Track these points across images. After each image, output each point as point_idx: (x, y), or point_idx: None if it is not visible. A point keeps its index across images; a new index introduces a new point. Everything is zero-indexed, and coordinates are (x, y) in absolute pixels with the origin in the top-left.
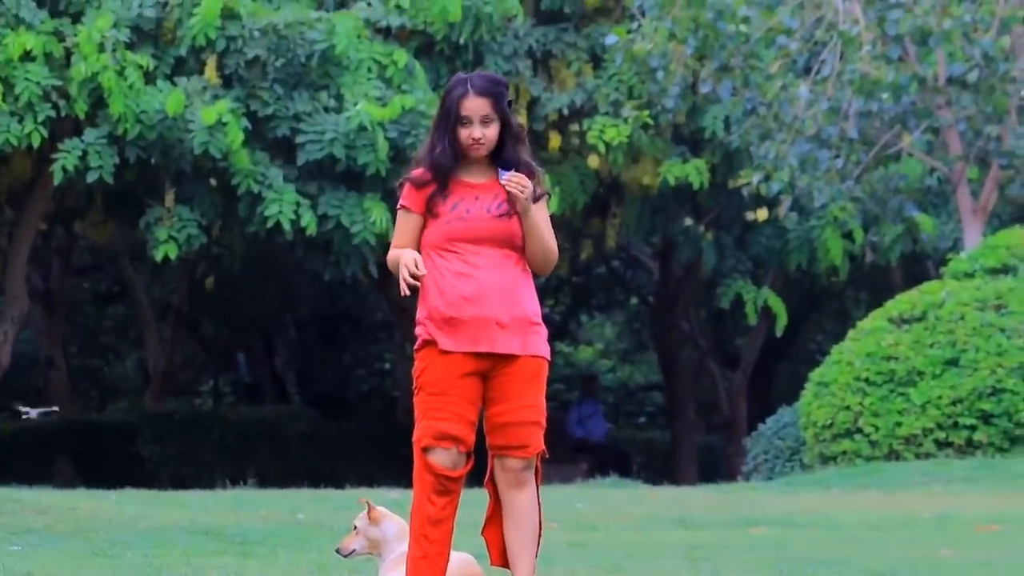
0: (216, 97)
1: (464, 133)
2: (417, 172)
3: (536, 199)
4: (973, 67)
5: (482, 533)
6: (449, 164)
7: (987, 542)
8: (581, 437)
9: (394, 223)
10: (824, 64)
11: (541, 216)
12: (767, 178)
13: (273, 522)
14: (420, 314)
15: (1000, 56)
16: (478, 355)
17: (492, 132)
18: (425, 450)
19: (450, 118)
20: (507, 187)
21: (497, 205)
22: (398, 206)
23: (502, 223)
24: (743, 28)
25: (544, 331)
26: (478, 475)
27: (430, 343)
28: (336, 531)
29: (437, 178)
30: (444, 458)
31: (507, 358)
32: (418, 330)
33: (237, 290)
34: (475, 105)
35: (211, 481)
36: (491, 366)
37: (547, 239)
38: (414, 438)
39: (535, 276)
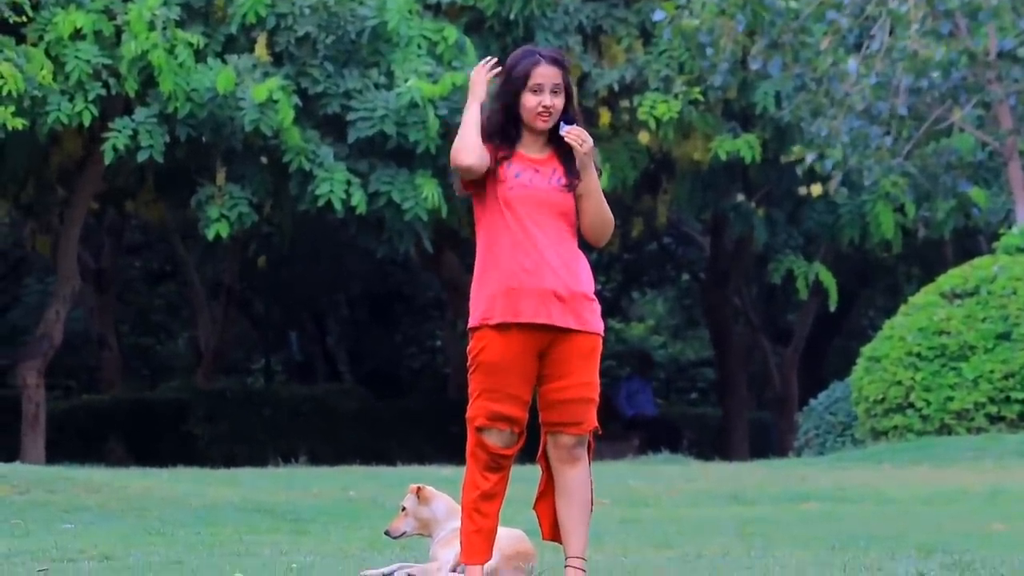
0: (266, 75)
1: (535, 100)
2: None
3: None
4: (1023, 42)
5: (534, 508)
6: (518, 133)
7: None
8: (634, 414)
9: (446, 199)
10: (873, 40)
11: (597, 184)
12: (821, 156)
13: (325, 499)
14: (476, 288)
15: None
16: (535, 329)
17: (559, 103)
18: (479, 429)
19: (518, 85)
20: (567, 137)
21: (557, 179)
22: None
23: (563, 195)
24: (793, 4)
25: (598, 307)
26: (528, 451)
27: (487, 321)
28: (387, 508)
29: (503, 147)
30: (498, 438)
31: (564, 333)
32: (474, 308)
33: (288, 268)
34: (548, 73)
35: (263, 459)
36: (549, 342)
37: (604, 206)
38: (468, 415)
39: (589, 249)
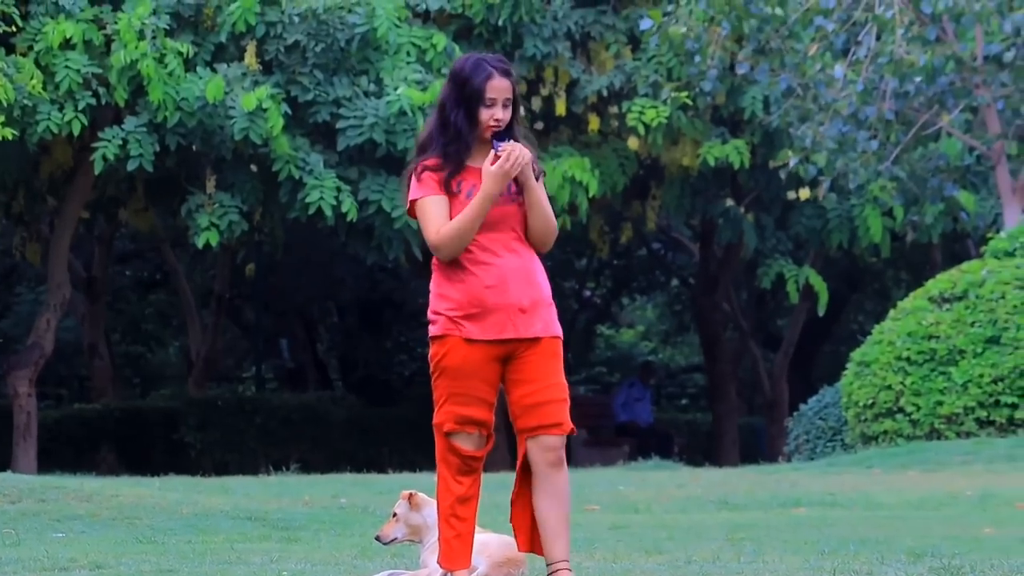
0: (256, 83)
1: (487, 114)
2: (432, 161)
3: (536, 177)
4: (1010, 46)
5: (511, 520)
6: (469, 146)
7: None
8: (626, 420)
9: None
10: (860, 45)
11: (541, 191)
12: (806, 159)
13: (316, 507)
14: (438, 305)
15: None
16: (501, 341)
17: (508, 115)
18: (448, 434)
19: (474, 100)
20: (498, 158)
21: (510, 188)
22: (418, 197)
23: (514, 207)
24: (779, 11)
25: (555, 309)
26: (501, 457)
27: (451, 333)
28: (378, 516)
29: (453, 162)
30: (467, 441)
31: (528, 340)
32: (435, 319)
33: (279, 276)
34: (501, 86)
35: (254, 467)
36: (513, 349)
37: (549, 213)
38: (436, 421)
39: (540, 255)
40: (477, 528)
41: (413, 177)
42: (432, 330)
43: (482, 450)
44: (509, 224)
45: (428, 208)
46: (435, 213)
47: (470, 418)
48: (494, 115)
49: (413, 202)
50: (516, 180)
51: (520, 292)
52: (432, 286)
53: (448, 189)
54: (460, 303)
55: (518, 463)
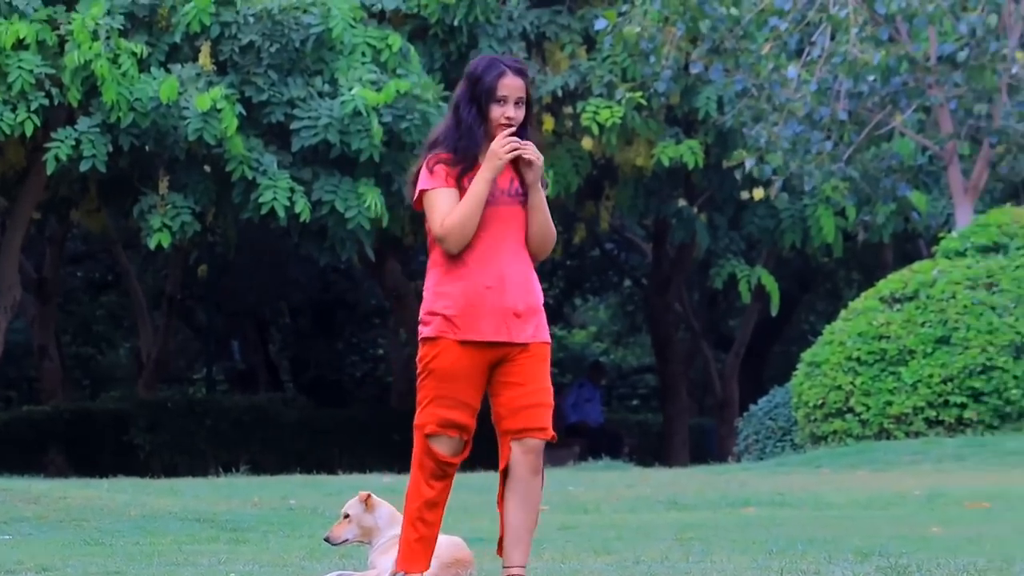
0: (210, 84)
1: (498, 111)
2: (445, 155)
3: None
4: (963, 46)
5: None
6: (479, 143)
7: (977, 519)
8: (576, 421)
9: (388, 207)
10: (814, 46)
11: (543, 199)
12: (760, 160)
13: (265, 508)
14: (435, 305)
15: (990, 35)
16: (491, 344)
17: (521, 114)
18: (428, 436)
19: (485, 97)
20: (524, 153)
21: (515, 190)
22: (429, 187)
23: (518, 208)
24: (734, 11)
25: (545, 316)
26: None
27: (445, 335)
28: (328, 517)
29: (465, 158)
30: (447, 446)
31: (518, 349)
32: (429, 320)
33: (231, 277)
34: (514, 84)
35: (204, 468)
36: (504, 354)
37: (549, 220)
38: (417, 422)
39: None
40: None
41: (424, 169)
42: (425, 331)
43: (458, 457)
44: (512, 226)
45: (437, 199)
46: (443, 204)
47: (453, 422)
48: (505, 112)
49: (423, 192)
50: (523, 182)
51: (517, 296)
52: (429, 284)
53: (460, 185)
54: (458, 301)
55: (500, 466)
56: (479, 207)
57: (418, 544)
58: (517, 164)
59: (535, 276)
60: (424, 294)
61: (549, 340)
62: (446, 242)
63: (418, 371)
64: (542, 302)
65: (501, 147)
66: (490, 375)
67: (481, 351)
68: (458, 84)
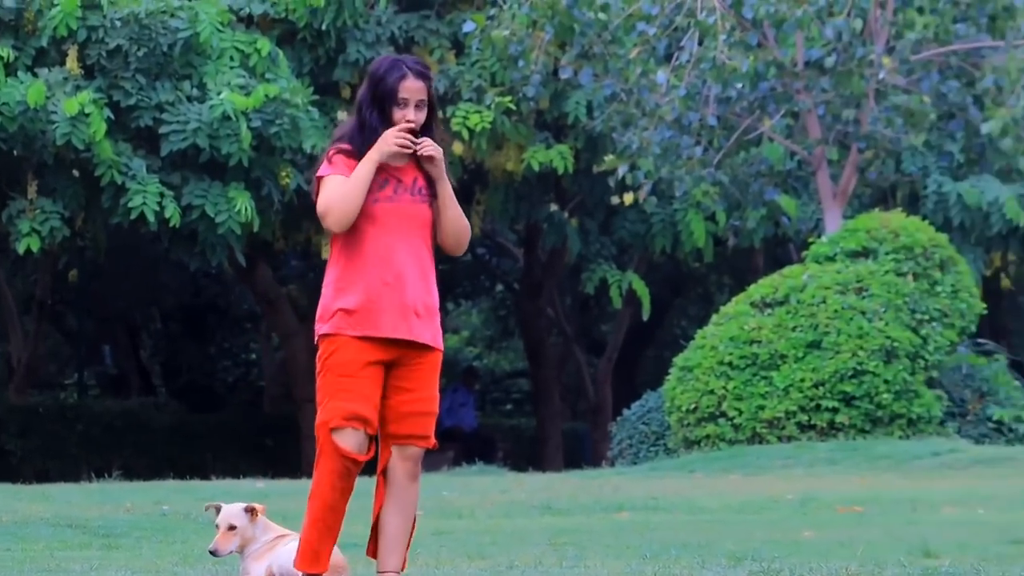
0: (78, 88)
1: (399, 114)
2: (346, 146)
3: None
4: (831, 51)
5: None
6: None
7: (849, 523)
8: (451, 426)
9: (259, 212)
10: (683, 51)
11: (452, 193)
12: (633, 167)
13: (138, 514)
14: (333, 301)
15: (857, 40)
16: (390, 343)
17: (422, 116)
18: (334, 430)
19: (386, 99)
20: (422, 150)
21: (419, 189)
22: (326, 174)
23: (424, 207)
24: (602, 15)
25: (439, 319)
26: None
27: (343, 332)
28: (201, 523)
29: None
30: (352, 440)
31: (417, 348)
32: (327, 317)
33: (101, 282)
34: (414, 87)
35: (76, 474)
36: (399, 355)
37: (461, 214)
38: (320, 420)
39: (448, 258)
40: (297, 535)
41: (324, 160)
42: (323, 328)
43: (364, 455)
44: (415, 224)
45: (329, 182)
46: (333, 187)
47: (357, 414)
48: (406, 115)
49: (320, 179)
50: (429, 178)
51: (415, 294)
52: (328, 280)
53: None
54: (358, 297)
55: (379, 467)
56: (362, 187)
57: (321, 544)
58: (419, 162)
59: (434, 277)
60: (323, 291)
61: (442, 347)
62: (326, 218)
63: (317, 370)
64: (438, 304)
65: (393, 135)
66: (386, 377)
67: (380, 348)
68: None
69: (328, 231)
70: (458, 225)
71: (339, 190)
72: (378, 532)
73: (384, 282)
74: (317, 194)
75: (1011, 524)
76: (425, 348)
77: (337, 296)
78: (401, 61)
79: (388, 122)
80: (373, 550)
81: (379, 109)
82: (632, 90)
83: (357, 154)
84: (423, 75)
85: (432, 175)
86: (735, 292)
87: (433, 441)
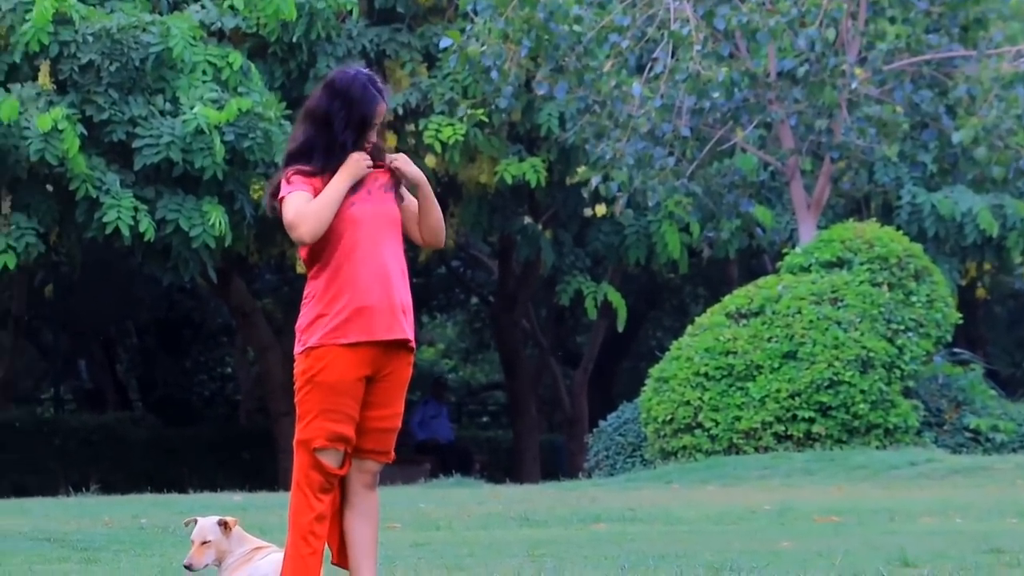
0: (51, 103)
1: (369, 136)
2: (306, 167)
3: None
4: (803, 62)
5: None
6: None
7: (826, 533)
8: (426, 438)
9: (232, 226)
10: (657, 62)
11: (430, 188)
12: (606, 178)
13: (116, 528)
14: (319, 310)
15: (829, 50)
16: (379, 347)
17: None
18: (317, 451)
19: (365, 124)
20: (397, 167)
21: (386, 186)
22: (287, 193)
23: (394, 205)
24: (576, 28)
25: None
26: None
27: (338, 340)
28: (179, 536)
29: (331, 173)
30: (334, 459)
31: (398, 353)
32: (312, 330)
33: (76, 297)
34: (383, 111)
35: (53, 488)
36: (382, 366)
37: (438, 207)
38: (301, 437)
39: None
40: (274, 547)
41: (283, 181)
42: (308, 341)
43: (344, 468)
44: (391, 222)
45: (293, 197)
46: (299, 199)
47: (341, 435)
48: (370, 137)
49: (281, 200)
50: (400, 185)
51: (400, 293)
52: (313, 291)
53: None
54: (350, 301)
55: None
56: (334, 207)
57: (311, 558)
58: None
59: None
60: (306, 303)
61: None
62: (298, 228)
63: (298, 385)
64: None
65: (362, 161)
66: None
67: (368, 358)
68: (320, 95)
69: (299, 241)
70: (437, 220)
71: (311, 205)
72: (346, 542)
73: (374, 284)
74: (276, 210)
75: (988, 533)
76: (404, 352)
77: (326, 305)
78: (369, 83)
79: (361, 144)
80: (336, 556)
81: (357, 133)
82: (605, 102)
83: (319, 172)
84: (387, 99)
85: (412, 179)
86: (710, 303)
87: (392, 456)
